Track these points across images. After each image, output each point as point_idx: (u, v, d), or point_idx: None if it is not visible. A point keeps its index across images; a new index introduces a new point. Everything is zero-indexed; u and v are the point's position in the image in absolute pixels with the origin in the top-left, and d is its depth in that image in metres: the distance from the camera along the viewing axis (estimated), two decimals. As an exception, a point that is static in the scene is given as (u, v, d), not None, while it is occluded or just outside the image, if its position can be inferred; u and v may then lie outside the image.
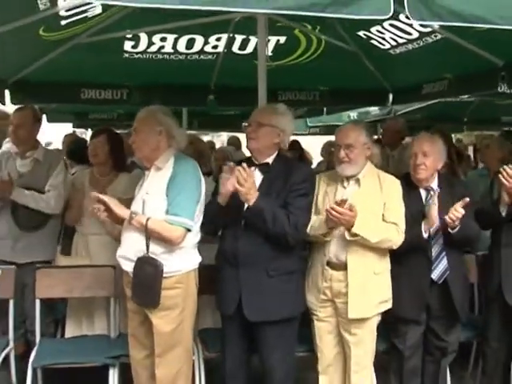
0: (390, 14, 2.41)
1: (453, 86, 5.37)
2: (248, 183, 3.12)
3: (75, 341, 4.10)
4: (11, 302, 3.91)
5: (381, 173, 3.57)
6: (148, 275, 3.13)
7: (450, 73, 5.31)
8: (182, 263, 3.24)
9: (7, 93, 5.63)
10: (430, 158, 3.59)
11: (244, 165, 3.17)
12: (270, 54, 5.41)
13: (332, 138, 7.56)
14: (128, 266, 3.25)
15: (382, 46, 5.16)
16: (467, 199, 3.39)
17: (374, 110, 8.62)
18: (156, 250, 3.16)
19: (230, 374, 3.48)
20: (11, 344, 3.86)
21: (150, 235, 3.14)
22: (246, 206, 3.21)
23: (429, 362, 3.81)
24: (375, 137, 8.06)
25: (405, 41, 4.87)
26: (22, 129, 4.46)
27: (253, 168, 3.25)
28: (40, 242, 4.35)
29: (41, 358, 3.66)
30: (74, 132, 10.06)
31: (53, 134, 10.12)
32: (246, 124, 3.61)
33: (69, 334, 4.26)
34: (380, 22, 4.36)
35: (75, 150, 5.90)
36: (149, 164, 3.35)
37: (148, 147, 3.29)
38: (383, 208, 3.43)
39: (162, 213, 3.17)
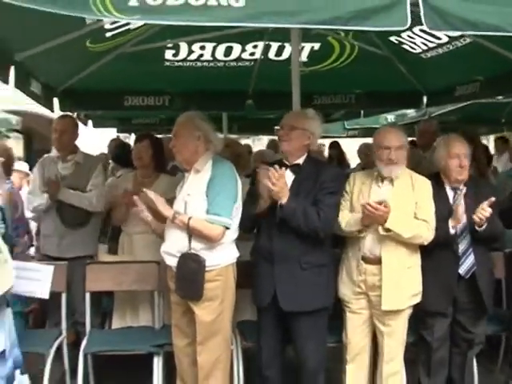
0: (407, 25, 2.61)
1: (484, 87, 5.53)
2: (280, 183, 3.36)
3: (122, 331, 4.41)
4: (63, 296, 4.22)
5: (413, 173, 3.76)
6: (191, 270, 3.38)
7: (480, 75, 5.46)
8: (221, 258, 3.49)
9: (56, 101, 5.97)
10: (467, 159, 3.79)
11: (276, 166, 3.41)
12: (305, 59, 5.66)
13: (369, 140, 7.79)
14: (171, 261, 3.51)
15: (413, 51, 5.35)
16: (493, 198, 3.56)
17: (410, 112, 8.76)
18: (197, 246, 3.42)
19: (265, 363, 3.71)
20: (64, 333, 4.18)
21: (191, 233, 3.40)
22: (279, 204, 3.44)
23: (456, 353, 3.97)
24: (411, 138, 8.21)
25: (435, 45, 5.06)
26: (65, 135, 4.77)
27: (284, 169, 3.47)
28: (83, 239, 4.68)
29: (91, 346, 3.98)
30: (118, 137, 10.45)
31: (98, 138, 10.52)
32: (279, 127, 3.84)
33: (115, 325, 4.56)
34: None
35: (120, 154, 6.20)
36: (188, 167, 3.60)
37: (187, 151, 3.54)
38: (415, 206, 3.63)
39: (203, 212, 3.42)
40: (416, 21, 2.62)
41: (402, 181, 3.67)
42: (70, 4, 2.49)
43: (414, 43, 5.14)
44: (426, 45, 5.12)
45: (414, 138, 6.65)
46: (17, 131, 16.35)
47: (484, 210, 3.56)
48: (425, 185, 3.71)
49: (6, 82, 4.24)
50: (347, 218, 3.63)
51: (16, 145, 24.98)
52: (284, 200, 3.41)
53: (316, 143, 3.73)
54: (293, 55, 4.76)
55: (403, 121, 9.18)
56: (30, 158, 12.41)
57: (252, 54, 5.74)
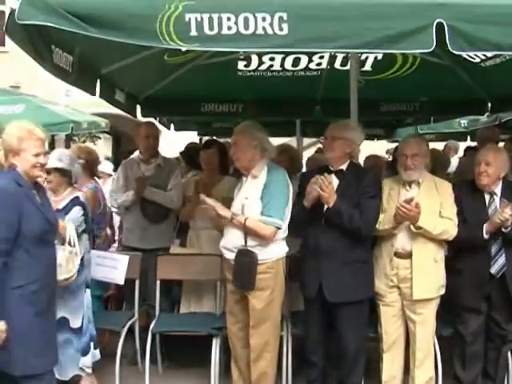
0: (432, 48, 3.03)
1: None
2: (328, 189, 3.84)
3: (187, 315, 5.02)
4: (137, 282, 4.85)
5: (435, 178, 4.20)
6: (246, 263, 3.90)
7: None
8: (272, 253, 4.00)
9: (138, 107, 6.63)
10: (492, 167, 4.11)
11: (326, 174, 3.88)
12: (369, 69, 6.06)
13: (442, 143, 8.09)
14: (229, 255, 4.03)
15: (473, 60, 5.62)
16: None
17: (482, 117, 8.92)
18: (252, 243, 3.93)
19: (310, 349, 4.22)
20: (136, 315, 4.80)
21: (247, 232, 3.90)
22: (325, 207, 3.90)
23: (490, 348, 4.32)
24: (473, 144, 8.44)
25: (492, 55, 5.32)
26: (151, 139, 5.36)
27: (330, 174, 3.93)
28: (162, 232, 5.31)
29: (159, 326, 4.60)
30: (200, 139, 11.08)
31: (181, 140, 11.20)
32: (324, 138, 4.29)
33: (182, 311, 5.17)
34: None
35: (193, 156, 6.80)
36: (246, 172, 4.10)
37: (245, 158, 4.05)
38: (440, 206, 4.04)
39: (258, 214, 3.93)
40: (442, 43, 3.04)
41: (426, 184, 4.10)
42: (140, 35, 3.06)
43: (474, 53, 5.41)
44: (484, 55, 5.38)
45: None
46: (107, 133, 17.42)
47: (505, 212, 3.90)
48: (448, 188, 4.14)
49: (93, 94, 4.88)
50: (380, 219, 4.07)
51: (106, 145, 26.47)
52: (331, 204, 3.87)
53: (358, 150, 4.16)
54: (351, 66, 5.18)
55: (476, 126, 9.34)
56: (119, 158, 13.24)
57: (319, 64, 6.17)
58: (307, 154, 7.88)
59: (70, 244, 3.91)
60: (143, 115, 6.94)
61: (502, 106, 6.90)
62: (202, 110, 7.02)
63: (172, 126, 9.40)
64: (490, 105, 6.96)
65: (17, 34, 3.27)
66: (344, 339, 4.09)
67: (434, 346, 4.23)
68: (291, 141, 10.70)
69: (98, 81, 4.92)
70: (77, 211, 4.26)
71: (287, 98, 6.90)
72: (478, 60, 5.58)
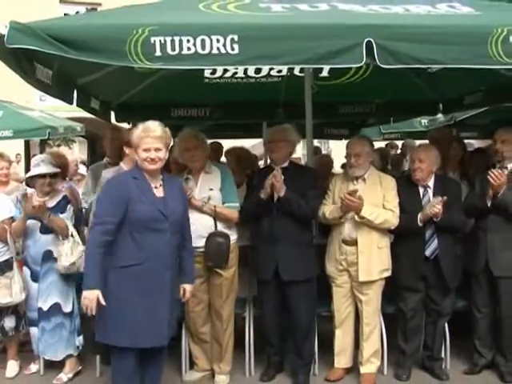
0: (363, 62, 3.65)
1: (486, 97, 6.44)
2: (280, 181, 4.45)
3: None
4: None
5: (380, 173, 4.86)
6: (221, 243, 4.50)
7: (482, 86, 6.34)
8: (233, 236, 4.71)
9: (112, 113, 7.19)
10: (425, 163, 4.75)
11: (278, 168, 4.50)
12: (326, 74, 6.65)
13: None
14: (200, 242, 4.48)
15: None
16: (445, 197, 4.53)
17: (440, 116, 9.57)
18: (220, 227, 4.58)
19: (268, 327, 4.93)
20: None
21: (217, 217, 4.54)
22: (276, 197, 4.54)
23: (428, 323, 4.96)
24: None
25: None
26: (117, 141, 5.63)
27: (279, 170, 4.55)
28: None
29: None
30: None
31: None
32: (268, 141, 4.88)
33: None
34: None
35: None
36: (200, 171, 4.71)
37: (201, 159, 4.68)
38: (383, 199, 4.67)
39: (220, 202, 4.63)
40: (372, 58, 3.66)
41: (371, 179, 4.74)
42: (112, 56, 3.64)
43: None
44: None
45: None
46: (82, 136, 17.84)
47: (434, 207, 4.53)
48: (390, 182, 4.78)
49: (70, 103, 5.41)
50: (330, 209, 4.72)
51: (81, 149, 26.83)
52: (282, 193, 4.49)
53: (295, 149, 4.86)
54: (305, 76, 5.78)
55: (435, 125, 10.00)
56: (95, 160, 13.68)
57: (279, 71, 6.73)
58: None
59: (72, 236, 4.62)
60: (117, 120, 7.51)
61: (452, 106, 7.57)
62: (172, 115, 7.58)
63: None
64: (441, 105, 7.63)
65: (4, 54, 3.82)
66: (296, 315, 4.73)
67: (380, 321, 4.86)
68: (260, 142, 11.37)
69: (75, 91, 5.42)
70: (69, 208, 4.84)
71: (251, 102, 7.47)
72: (425, 66, 6.22)
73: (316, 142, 8.06)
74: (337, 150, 14.11)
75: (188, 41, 3.59)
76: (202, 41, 3.60)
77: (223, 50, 3.61)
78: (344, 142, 11.21)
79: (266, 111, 7.78)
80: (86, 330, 4.88)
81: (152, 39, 3.57)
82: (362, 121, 9.81)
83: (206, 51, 3.60)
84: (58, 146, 27.60)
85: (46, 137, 11.88)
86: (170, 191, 3.87)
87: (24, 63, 4.10)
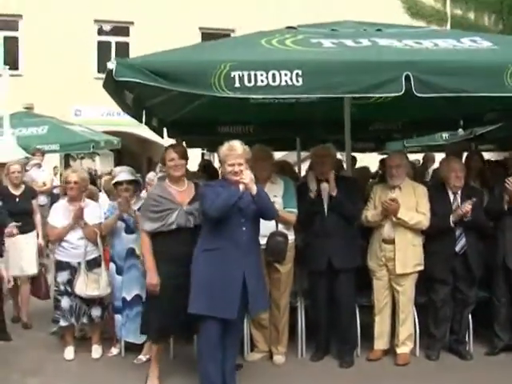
0: (402, 92, 4.57)
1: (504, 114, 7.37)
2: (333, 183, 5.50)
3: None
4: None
5: (413, 183, 5.83)
6: (280, 241, 5.35)
7: (500, 105, 7.22)
8: (291, 236, 5.59)
9: (165, 130, 8.13)
10: (462, 174, 5.70)
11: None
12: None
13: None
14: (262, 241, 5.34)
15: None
16: (474, 199, 5.49)
17: (460, 131, 10.49)
18: (280, 227, 5.46)
19: (318, 316, 5.86)
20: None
21: (279, 219, 5.38)
22: (327, 200, 5.61)
23: (456, 311, 5.85)
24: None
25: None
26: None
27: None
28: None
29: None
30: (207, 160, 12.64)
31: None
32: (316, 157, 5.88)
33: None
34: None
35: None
36: (266, 180, 5.61)
37: (265, 172, 5.57)
38: (416, 204, 5.61)
39: (281, 207, 5.51)
40: (409, 88, 4.58)
41: (406, 188, 5.69)
42: (200, 87, 4.57)
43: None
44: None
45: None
46: (111, 150, 18.95)
47: (466, 206, 5.47)
48: (422, 190, 5.74)
49: (141, 121, 6.34)
50: (372, 213, 5.68)
51: (104, 161, 27.85)
52: (334, 193, 5.47)
53: None
54: (345, 99, 6.67)
55: (455, 139, 10.95)
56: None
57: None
58: (304, 165, 9.51)
59: None
60: (169, 136, 8.44)
61: (472, 122, 8.52)
62: (219, 131, 8.54)
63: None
64: (462, 122, 8.57)
65: (108, 84, 4.80)
66: (343, 302, 5.68)
67: (413, 310, 5.77)
68: (291, 154, 12.33)
69: (144, 111, 6.35)
70: None
71: (288, 120, 8.38)
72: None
73: (339, 155, 9.00)
74: (362, 161, 15.08)
75: (261, 75, 4.53)
76: (273, 75, 4.53)
77: (290, 83, 4.54)
78: (369, 155, 12.30)
79: (301, 128, 8.73)
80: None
81: (232, 73, 4.51)
82: (388, 135, 10.75)
83: (276, 83, 4.54)
84: (82, 158, 28.75)
85: (91, 150, 12.94)
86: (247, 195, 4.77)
87: (119, 93, 5.10)
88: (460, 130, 9.32)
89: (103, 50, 19.97)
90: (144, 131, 17.85)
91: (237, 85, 4.53)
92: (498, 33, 23.45)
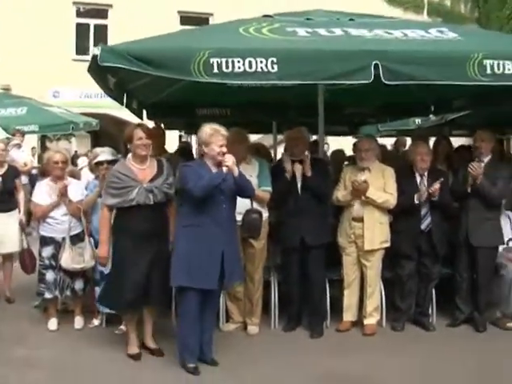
0: (371, 80, 4.92)
1: (471, 101, 7.74)
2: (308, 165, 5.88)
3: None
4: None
5: (382, 165, 6.22)
6: (255, 218, 5.62)
7: (466, 93, 7.61)
8: (265, 213, 5.92)
9: (144, 112, 8.41)
10: (428, 157, 6.09)
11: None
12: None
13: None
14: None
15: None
16: (442, 179, 5.92)
17: (431, 116, 10.89)
18: (255, 205, 5.74)
19: (290, 290, 6.24)
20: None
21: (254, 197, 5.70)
22: (300, 183, 5.99)
23: (420, 286, 6.28)
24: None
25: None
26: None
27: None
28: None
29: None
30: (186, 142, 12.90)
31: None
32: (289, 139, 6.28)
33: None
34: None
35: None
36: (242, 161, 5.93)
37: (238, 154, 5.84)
38: (384, 185, 6.01)
39: (257, 186, 5.82)
40: (379, 76, 4.94)
41: (375, 170, 6.09)
42: (180, 72, 4.88)
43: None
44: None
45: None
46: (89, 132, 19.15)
47: (433, 186, 5.89)
48: (390, 171, 6.14)
49: (122, 104, 6.63)
50: (342, 193, 6.08)
51: (80, 143, 27.95)
52: (309, 174, 5.87)
53: None
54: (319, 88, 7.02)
55: (427, 124, 11.38)
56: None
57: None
58: (280, 148, 9.90)
59: None
60: (148, 118, 8.72)
61: (441, 109, 8.92)
62: (197, 113, 8.85)
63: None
64: (433, 108, 8.96)
65: (93, 70, 5.09)
66: (314, 277, 6.07)
67: (380, 284, 6.19)
68: (267, 137, 12.66)
69: (125, 94, 6.63)
70: None
71: (265, 103, 8.69)
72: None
73: (314, 137, 9.41)
74: (334, 145, 15.51)
75: (238, 61, 4.87)
76: (250, 62, 4.87)
77: (265, 69, 4.89)
78: (342, 138, 12.69)
79: (277, 111, 9.06)
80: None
81: (211, 60, 4.83)
82: (361, 120, 11.12)
83: (253, 70, 4.88)
84: (58, 139, 28.86)
85: (70, 131, 13.15)
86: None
87: (103, 77, 5.40)
88: (431, 115, 9.70)
89: (82, 32, 20.18)
90: (121, 113, 18.18)
91: (215, 71, 4.85)
92: (474, 20, 24.18)
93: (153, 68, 4.91)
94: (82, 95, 19.28)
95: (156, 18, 19.50)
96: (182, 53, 4.92)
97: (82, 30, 20.31)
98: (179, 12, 20.90)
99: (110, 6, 20.30)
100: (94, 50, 4.97)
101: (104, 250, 5.33)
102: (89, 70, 5.20)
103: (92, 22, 20.63)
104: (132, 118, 14.98)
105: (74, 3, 20.06)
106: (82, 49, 20.18)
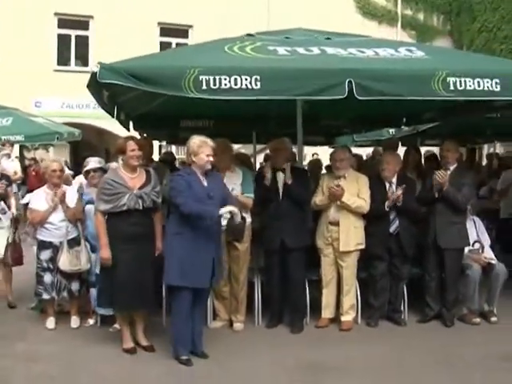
0: (345, 95, 5.47)
1: (438, 114, 8.37)
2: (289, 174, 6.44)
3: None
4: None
5: (357, 173, 6.82)
6: (240, 222, 5.96)
7: (434, 106, 8.22)
8: (248, 218, 6.42)
9: (131, 123, 8.88)
10: (390, 165, 6.63)
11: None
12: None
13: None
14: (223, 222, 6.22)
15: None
16: (404, 185, 6.50)
17: (404, 127, 11.51)
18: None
19: (273, 290, 6.78)
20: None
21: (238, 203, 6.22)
22: (282, 189, 6.55)
23: (392, 284, 6.87)
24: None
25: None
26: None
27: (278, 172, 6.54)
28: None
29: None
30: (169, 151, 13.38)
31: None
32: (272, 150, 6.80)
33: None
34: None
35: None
36: (226, 170, 6.46)
37: (225, 161, 6.40)
38: (358, 191, 6.58)
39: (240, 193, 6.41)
40: (351, 92, 5.48)
41: (350, 177, 6.66)
42: (172, 88, 5.38)
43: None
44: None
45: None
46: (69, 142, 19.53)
47: (396, 193, 6.49)
48: (363, 179, 6.71)
49: (113, 116, 7.11)
50: (320, 198, 6.65)
51: (58, 152, 28.12)
52: (290, 182, 6.43)
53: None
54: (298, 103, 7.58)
55: (400, 134, 12.00)
56: (78, 162, 15.43)
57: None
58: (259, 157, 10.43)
59: None
60: (134, 129, 9.21)
61: (412, 120, 9.56)
62: (181, 125, 9.40)
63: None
64: (405, 119, 9.58)
65: (92, 86, 5.58)
66: (294, 277, 6.60)
67: (355, 283, 6.76)
68: (248, 146, 13.20)
69: (115, 107, 7.11)
70: None
71: (246, 115, 9.20)
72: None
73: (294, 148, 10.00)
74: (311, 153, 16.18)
75: (225, 79, 5.39)
76: (235, 79, 5.39)
77: (249, 86, 5.42)
78: (319, 148, 13.28)
79: (257, 123, 9.68)
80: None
81: (200, 77, 5.35)
82: (338, 130, 11.72)
83: (238, 86, 5.41)
84: (36, 149, 29.17)
85: (55, 141, 13.56)
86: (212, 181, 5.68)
87: (100, 93, 5.90)
88: (403, 126, 10.32)
89: (63, 42, 20.58)
90: (102, 123, 18.79)
91: (204, 87, 5.36)
92: (447, 33, 25.04)
93: (148, 85, 5.41)
94: (63, 105, 19.75)
95: (136, 29, 20.07)
96: (174, 71, 5.43)
97: (63, 40, 20.70)
98: (159, 23, 21.41)
99: (91, 17, 20.69)
100: (93, 68, 5.42)
101: (106, 252, 5.79)
102: (88, 86, 5.69)
103: (73, 32, 20.94)
104: (113, 129, 15.91)
105: (56, 14, 20.41)
106: (63, 59, 20.71)
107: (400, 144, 11.98)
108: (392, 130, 12.60)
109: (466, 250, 6.90)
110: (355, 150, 13.11)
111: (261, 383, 5.34)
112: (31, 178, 17.66)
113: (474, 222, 7.23)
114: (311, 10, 21.14)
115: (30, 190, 10.05)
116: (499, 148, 18.91)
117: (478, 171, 12.97)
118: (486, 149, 20.22)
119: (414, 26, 24.59)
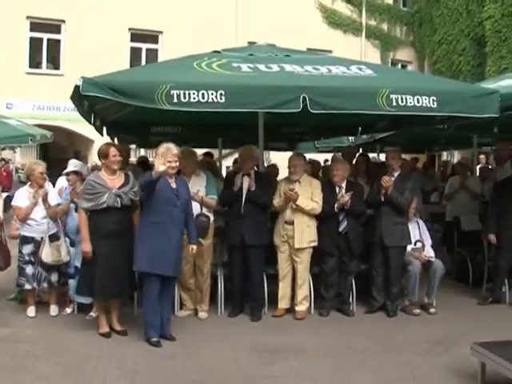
0: (299, 109, 6.29)
1: (390, 124, 9.27)
2: (253, 181, 7.15)
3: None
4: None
5: (311, 178, 7.72)
6: (204, 221, 7.03)
7: (384, 118, 9.09)
8: (212, 217, 7.26)
9: (105, 128, 9.58)
10: (340, 171, 7.49)
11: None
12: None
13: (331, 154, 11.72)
14: None
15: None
16: (352, 192, 7.39)
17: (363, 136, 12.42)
18: (204, 210, 7.15)
19: (235, 282, 7.60)
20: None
21: (203, 204, 7.16)
22: (245, 192, 7.31)
23: (341, 278, 7.75)
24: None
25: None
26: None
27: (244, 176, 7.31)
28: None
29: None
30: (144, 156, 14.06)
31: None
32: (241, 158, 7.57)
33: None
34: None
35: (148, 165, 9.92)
36: (192, 174, 7.27)
37: (190, 167, 7.23)
38: (311, 195, 7.43)
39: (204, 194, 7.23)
40: (305, 107, 6.30)
41: (304, 182, 7.55)
42: (147, 101, 6.14)
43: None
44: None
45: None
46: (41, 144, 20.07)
47: (344, 198, 7.36)
48: (317, 183, 7.61)
49: (90, 122, 7.84)
50: (277, 201, 7.51)
51: (25, 153, 28.59)
52: (253, 188, 7.22)
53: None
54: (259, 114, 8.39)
55: (359, 141, 12.89)
56: (48, 164, 15.86)
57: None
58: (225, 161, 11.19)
59: None
60: (107, 134, 9.92)
61: (368, 129, 10.45)
62: (152, 131, 10.16)
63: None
64: (360, 129, 10.47)
65: (75, 97, 6.33)
66: (254, 271, 7.45)
67: (308, 277, 7.62)
68: (214, 151, 13.98)
69: (92, 114, 7.83)
70: None
71: (212, 123, 9.95)
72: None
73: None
74: (276, 159, 16.96)
75: (194, 93, 6.16)
76: (203, 93, 6.17)
77: (215, 100, 6.20)
78: (283, 153, 14.15)
79: (222, 130, 10.51)
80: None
81: (172, 92, 6.11)
82: (299, 137, 12.57)
83: (205, 100, 6.19)
84: (3, 149, 29.54)
85: (28, 143, 14.06)
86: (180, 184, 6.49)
87: (82, 104, 6.64)
88: (359, 134, 11.21)
89: (35, 46, 21.16)
90: (72, 125, 19.43)
91: (175, 100, 6.13)
92: (409, 44, 26.18)
93: (125, 97, 6.16)
94: (34, 107, 20.32)
95: (108, 34, 20.76)
96: (149, 85, 6.19)
97: (35, 44, 21.30)
98: (130, 29, 22.13)
99: (63, 21, 21.28)
100: (77, 82, 6.15)
101: (87, 246, 6.52)
102: (71, 98, 6.44)
103: (45, 36, 21.52)
104: (83, 132, 16.63)
105: (28, 17, 20.95)
106: (35, 62, 21.36)
107: (360, 150, 13.02)
108: (351, 138, 13.50)
109: (409, 248, 7.79)
110: (317, 156, 14.13)
111: (223, 362, 6.08)
112: (1, 177, 18.30)
113: (418, 224, 8.13)
114: (278, 19, 22.03)
115: (3, 189, 10.71)
116: (457, 155, 20.05)
117: (431, 177, 13.99)
118: (444, 156, 21.34)
119: (378, 35, 25.73)
